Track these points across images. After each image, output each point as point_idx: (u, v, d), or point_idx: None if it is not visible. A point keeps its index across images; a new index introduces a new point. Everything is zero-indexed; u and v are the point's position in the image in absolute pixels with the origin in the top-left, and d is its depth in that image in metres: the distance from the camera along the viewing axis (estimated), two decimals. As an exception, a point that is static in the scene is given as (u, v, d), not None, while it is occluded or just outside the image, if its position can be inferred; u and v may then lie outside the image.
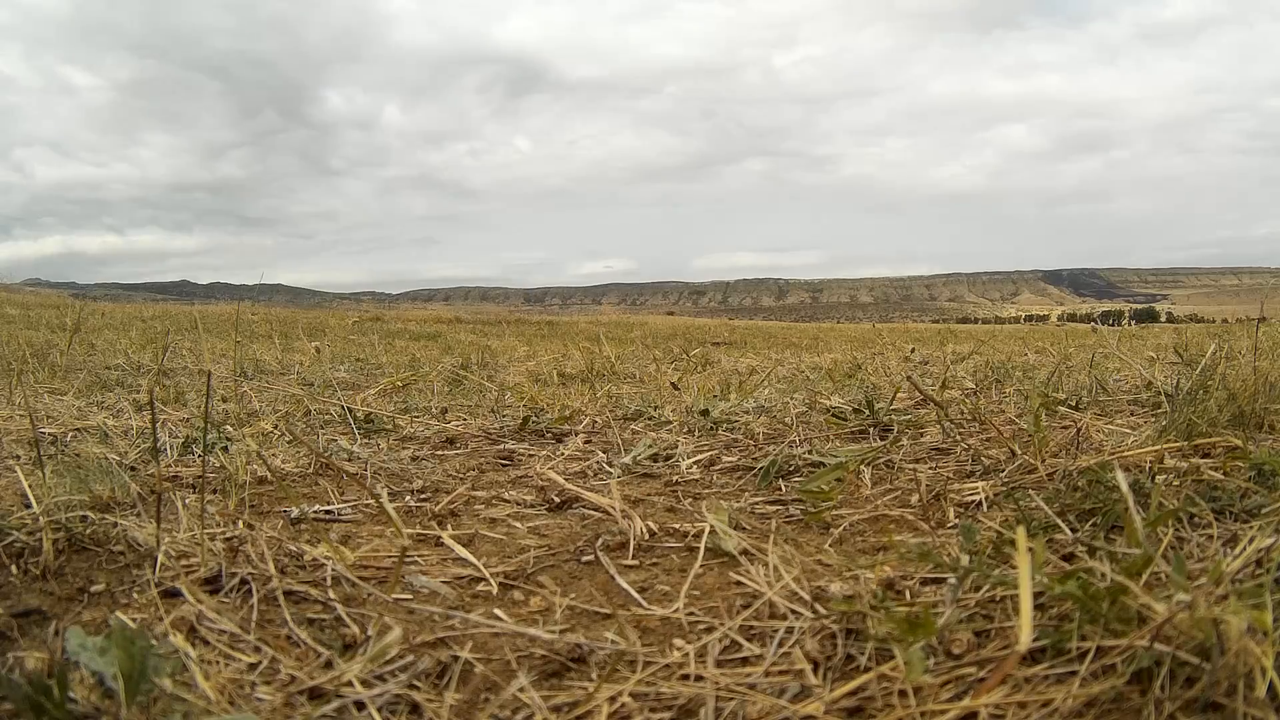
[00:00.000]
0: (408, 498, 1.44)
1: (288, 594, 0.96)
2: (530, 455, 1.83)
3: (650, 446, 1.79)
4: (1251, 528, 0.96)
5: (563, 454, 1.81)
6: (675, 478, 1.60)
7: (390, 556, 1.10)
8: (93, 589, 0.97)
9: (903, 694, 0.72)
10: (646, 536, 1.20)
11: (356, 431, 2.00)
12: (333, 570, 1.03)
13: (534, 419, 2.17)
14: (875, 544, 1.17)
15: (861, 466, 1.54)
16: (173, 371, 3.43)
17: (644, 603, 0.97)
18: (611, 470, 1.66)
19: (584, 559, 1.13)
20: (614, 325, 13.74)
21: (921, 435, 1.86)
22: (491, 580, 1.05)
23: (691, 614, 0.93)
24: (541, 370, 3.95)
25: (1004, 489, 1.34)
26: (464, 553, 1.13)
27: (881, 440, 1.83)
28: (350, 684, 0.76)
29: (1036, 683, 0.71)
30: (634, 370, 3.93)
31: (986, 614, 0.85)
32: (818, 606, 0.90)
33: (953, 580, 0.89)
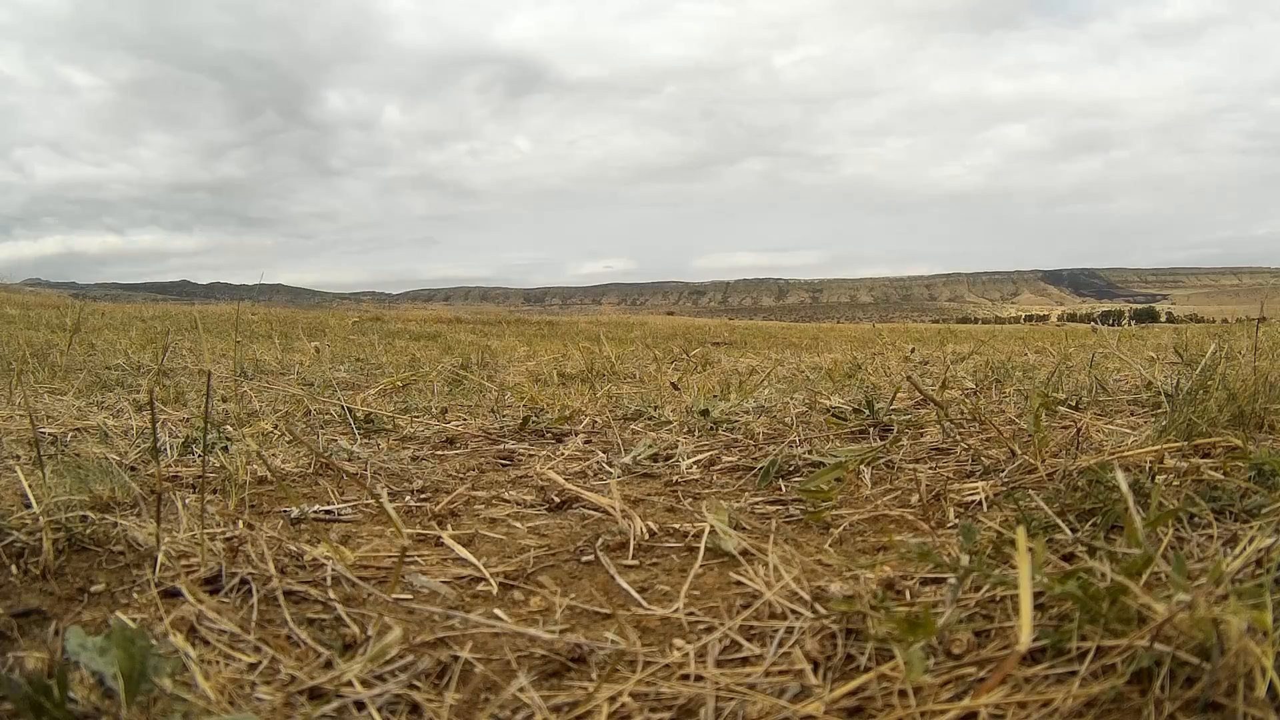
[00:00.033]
0: (408, 498, 1.44)
1: (288, 594, 0.96)
2: (530, 455, 1.83)
3: (650, 446, 1.79)
4: (1251, 528, 0.96)
5: (563, 454, 1.81)
6: (675, 478, 1.60)
7: (390, 556, 1.10)
8: (93, 589, 0.97)
9: (903, 694, 0.72)
10: (646, 536, 1.20)
11: (356, 431, 2.00)
12: (333, 570, 1.03)
13: (534, 419, 2.17)
14: (875, 544, 1.17)
15: (861, 466, 1.54)
16: (173, 371, 3.43)
17: (644, 603, 0.97)
18: (611, 470, 1.66)
19: (584, 559, 1.13)
20: (614, 325, 13.74)
21: (921, 435, 1.86)
22: (491, 580, 1.05)
23: (691, 614, 0.93)
24: (541, 370, 3.95)
25: (1004, 489, 1.34)
26: (464, 553, 1.13)
27: (881, 440, 1.83)
28: (350, 684, 0.76)
29: (1036, 683, 0.71)
30: (634, 370, 3.93)
31: (986, 614, 0.85)
32: (818, 606, 0.90)
33: (953, 580, 0.89)
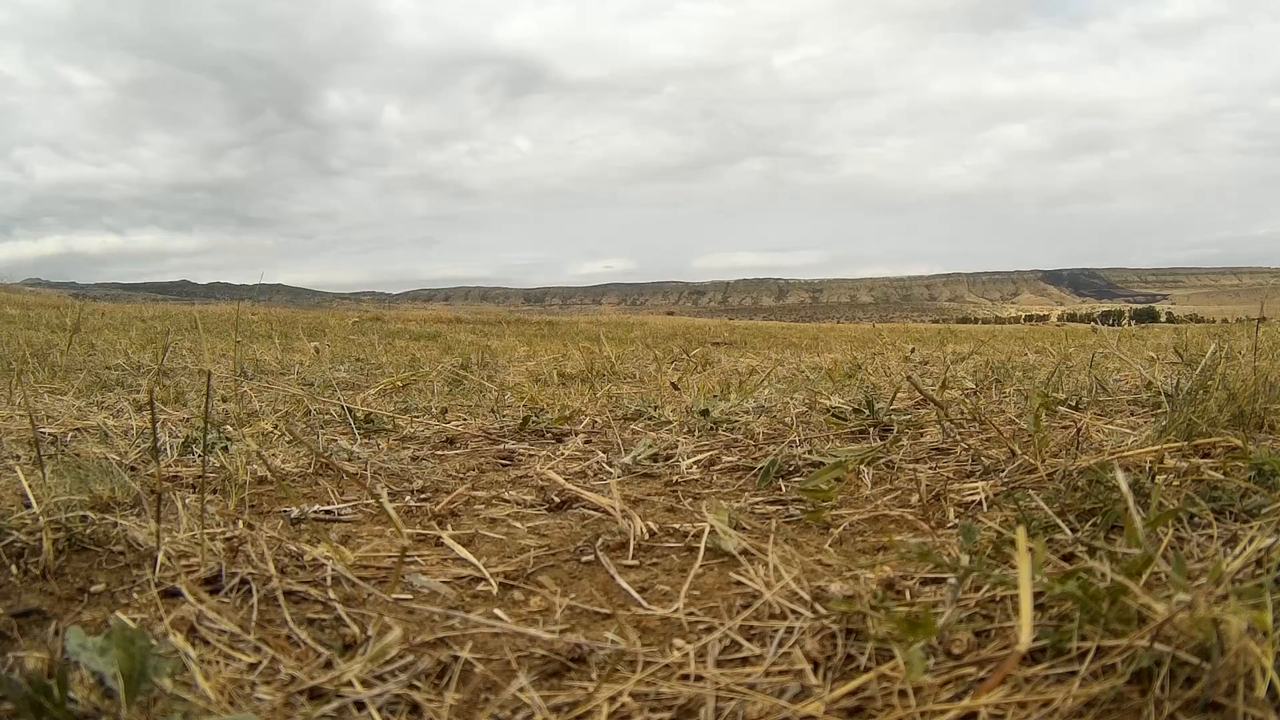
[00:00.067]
0: (408, 498, 1.44)
1: (288, 594, 0.96)
2: (530, 455, 1.83)
3: (650, 446, 1.79)
4: (1251, 528, 0.96)
5: (563, 454, 1.81)
6: (675, 478, 1.60)
7: (390, 556, 1.10)
8: (93, 589, 0.97)
9: (903, 694, 0.72)
10: (646, 536, 1.20)
11: (356, 431, 2.00)
12: (333, 570, 1.03)
13: (534, 419, 2.17)
14: (875, 544, 1.17)
15: (861, 466, 1.54)
16: (173, 371, 3.43)
17: (644, 603, 0.97)
18: (611, 470, 1.66)
19: (584, 559, 1.13)
20: (614, 325, 13.74)
21: (921, 435, 1.86)
22: (491, 580, 1.05)
23: (691, 614, 0.93)
24: (541, 370, 3.95)
25: (1004, 489, 1.34)
26: (464, 553, 1.13)
27: (881, 440, 1.83)
28: (350, 684, 0.76)
29: (1036, 683, 0.71)
30: (634, 370, 3.93)
31: (986, 614, 0.85)
32: (818, 606, 0.90)
33: (953, 580, 0.89)
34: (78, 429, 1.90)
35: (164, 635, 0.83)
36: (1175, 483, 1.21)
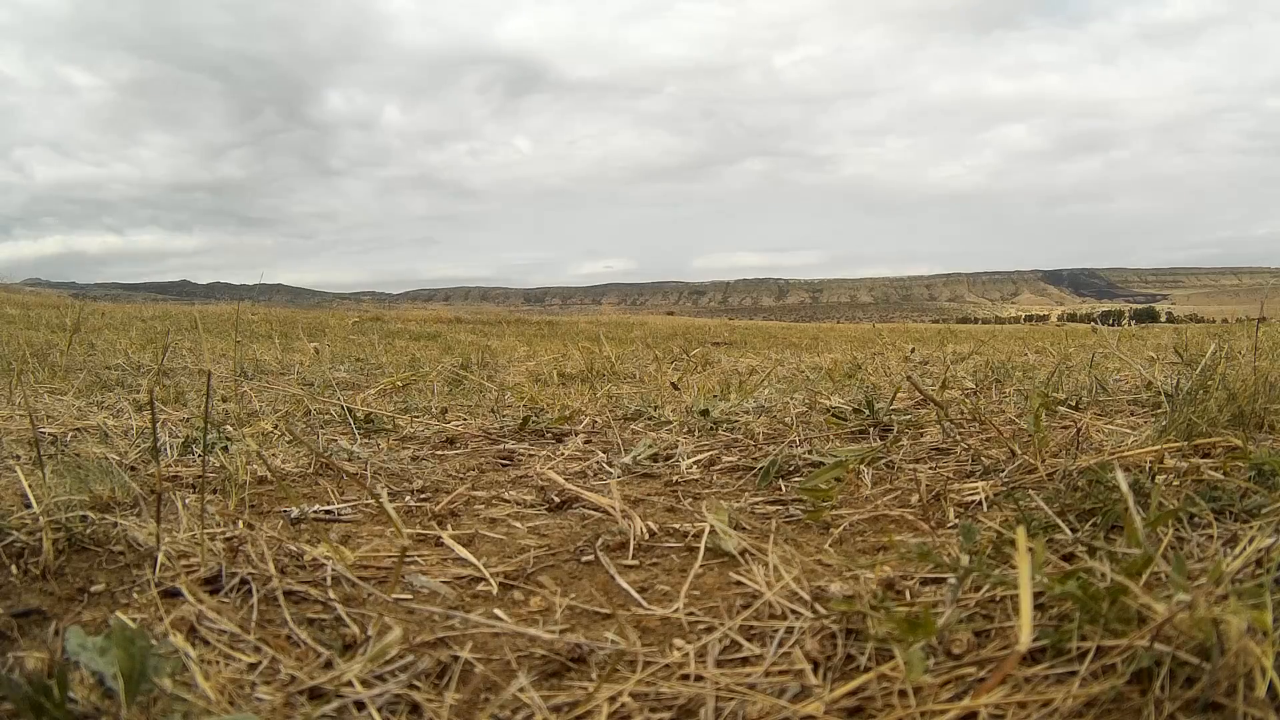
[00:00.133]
0: (408, 498, 1.44)
1: (288, 594, 0.96)
2: (530, 455, 1.83)
3: (650, 446, 1.79)
4: (1251, 528, 0.96)
5: (563, 454, 1.81)
6: (675, 478, 1.60)
7: (390, 556, 1.10)
8: (93, 589, 0.97)
9: (903, 694, 0.72)
10: (646, 536, 1.20)
11: (356, 431, 2.00)
12: (333, 570, 1.03)
13: (534, 419, 2.17)
14: (875, 544, 1.17)
15: (861, 466, 1.54)
16: (173, 371, 3.43)
17: (644, 603, 0.97)
18: (611, 470, 1.66)
19: (584, 559, 1.13)
20: (614, 325, 13.74)
21: (921, 435, 1.86)
22: (491, 580, 1.05)
23: (691, 614, 0.93)
24: (541, 370, 3.95)
25: (1004, 489, 1.34)
26: (464, 553, 1.13)
27: (881, 440, 1.83)
28: (350, 684, 0.76)
29: (1036, 683, 0.71)
30: (634, 370, 3.93)
31: (986, 614, 0.85)
32: (818, 606, 0.90)
33: (953, 580, 0.89)
34: (78, 429, 1.90)
35: (164, 635, 0.83)
36: (1175, 483, 1.21)
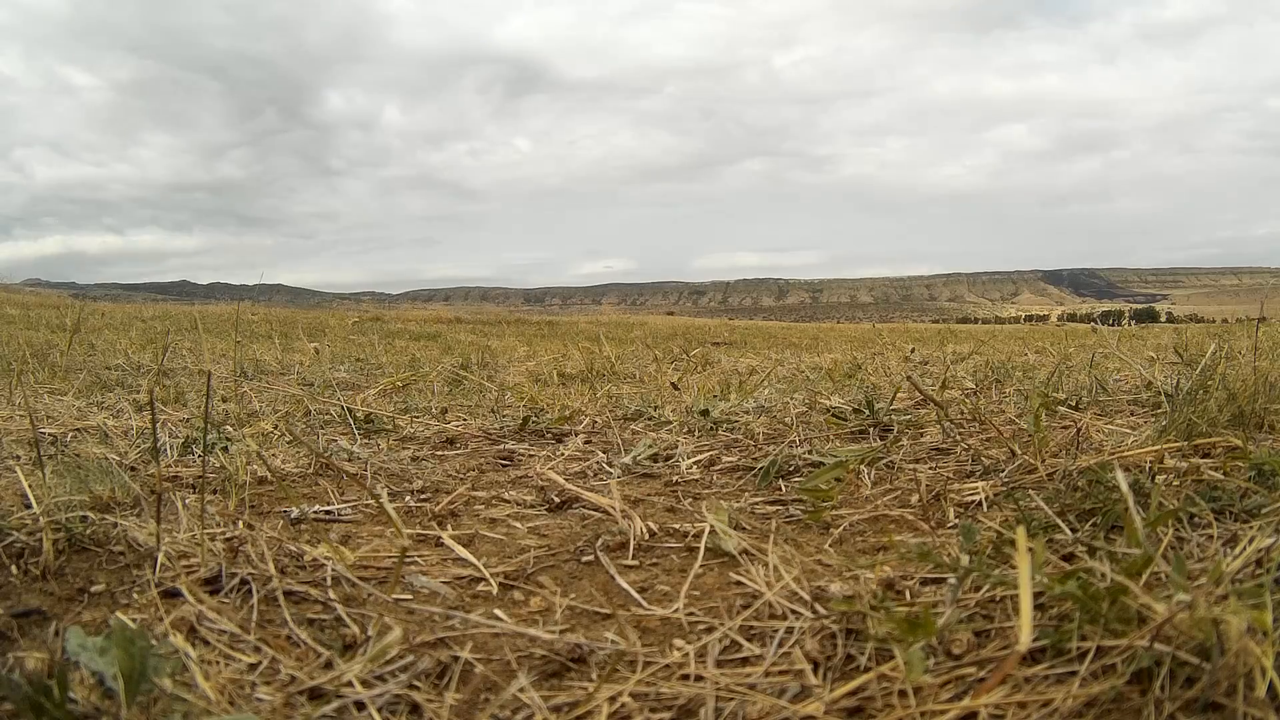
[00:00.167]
0: (408, 498, 1.44)
1: (288, 594, 0.96)
2: (530, 455, 1.83)
3: (650, 446, 1.79)
4: (1251, 528, 0.96)
5: (563, 454, 1.81)
6: (675, 478, 1.60)
7: (390, 556, 1.10)
8: (93, 589, 0.97)
9: (903, 694, 0.72)
10: (646, 536, 1.20)
11: (356, 431, 2.00)
12: (333, 570, 1.03)
13: (534, 419, 2.17)
14: (875, 544, 1.17)
15: (861, 466, 1.54)
16: (173, 371, 3.43)
17: (644, 603, 0.97)
18: (611, 470, 1.66)
19: (584, 559, 1.13)
20: (614, 325, 13.74)
21: (921, 435, 1.86)
22: (491, 580, 1.05)
23: (691, 614, 0.93)
24: (541, 370, 3.95)
25: (1004, 489, 1.34)
26: (464, 553, 1.13)
27: (881, 440, 1.83)
28: (350, 684, 0.76)
29: (1036, 683, 0.71)
30: (634, 370, 3.93)
31: (986, 614, 0.85)
32: (818, 606, 0.90)
33: (953, 580, 0.89)
34: (78, 429, 1.90)
35: (164, 635, 0.83)
36: (1175, 483, 1.21)
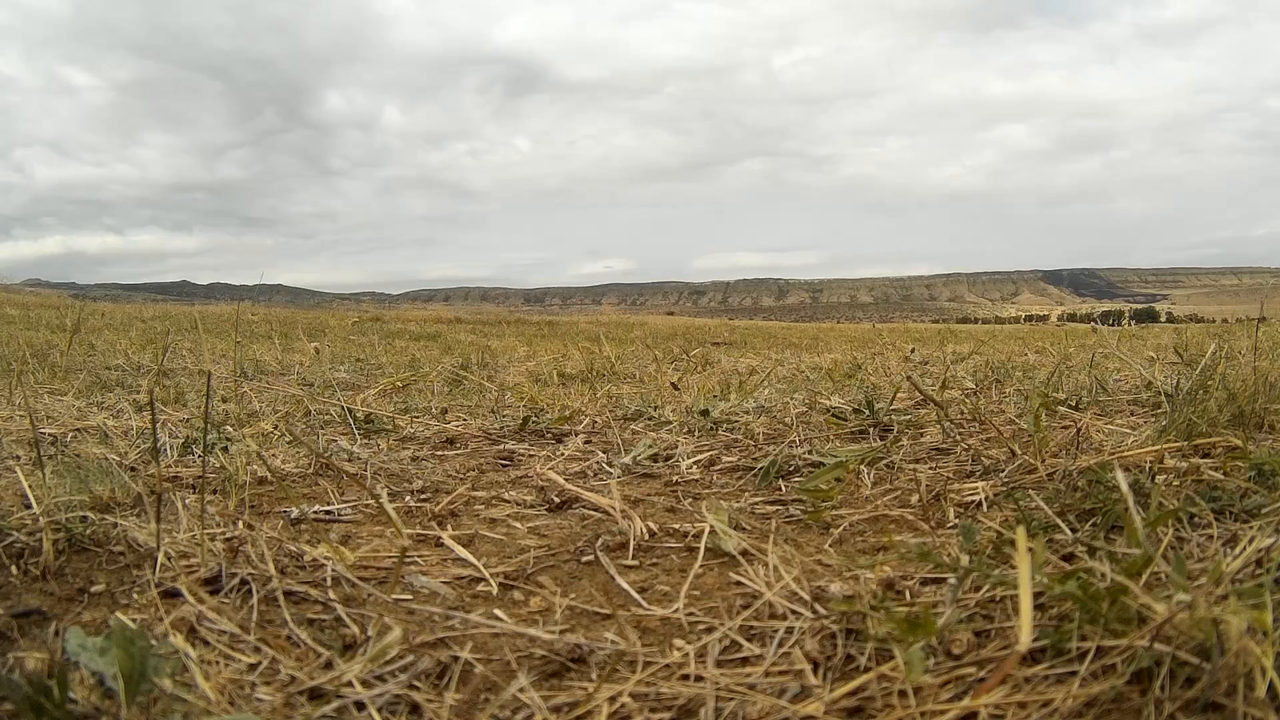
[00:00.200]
0: (408, 498, 1.44)
1: (288, 594, 0.96)
2: (530, 455, 1.83)
3: (650, 446, 1.79)
4: (1251, 528, 0.96)
5: (563, 454, 1.81)
6: (675, 478, 1.60)
7: (390, 557, 1.10)
8: (93, 589, 0.97)
9: (903, 694, 0.72)
10: (646, 537, 1.20)
11: (356, 432, 2.00)
12: (333, 570, 1.03)
13: (534, 419, 2.17)
14: (875, 544, 1.17)
15: (861, 466, 1.54)
16: (173, 372, 3.43)
17: (644, 603, 0.97)
18: (611, 470, 1.66)
19: (584, 559, 1.13)
20: (614, 325, 13.74)
21: (921, 435, 1.86)
22: (491, 580, 1.05)
23: (691, 614, 0.93)
24: (541, 370, 3.95)
25: (1004, 489, 1.34)
26: (464, 553, 1.13)
27: (881, 440, 1.83)
28: (350, 684, 0.76)
29: (1036, 683, 0.71)
30: (634, 370, 3.93)
31: (986, 614, 0.85)
32: (818, 606, 0.90)
33: (953, 580, 0.89)
34: (78, 429, 1.90)
35: (164, 635, 0.83)
36: (1175, 483, 1.21)
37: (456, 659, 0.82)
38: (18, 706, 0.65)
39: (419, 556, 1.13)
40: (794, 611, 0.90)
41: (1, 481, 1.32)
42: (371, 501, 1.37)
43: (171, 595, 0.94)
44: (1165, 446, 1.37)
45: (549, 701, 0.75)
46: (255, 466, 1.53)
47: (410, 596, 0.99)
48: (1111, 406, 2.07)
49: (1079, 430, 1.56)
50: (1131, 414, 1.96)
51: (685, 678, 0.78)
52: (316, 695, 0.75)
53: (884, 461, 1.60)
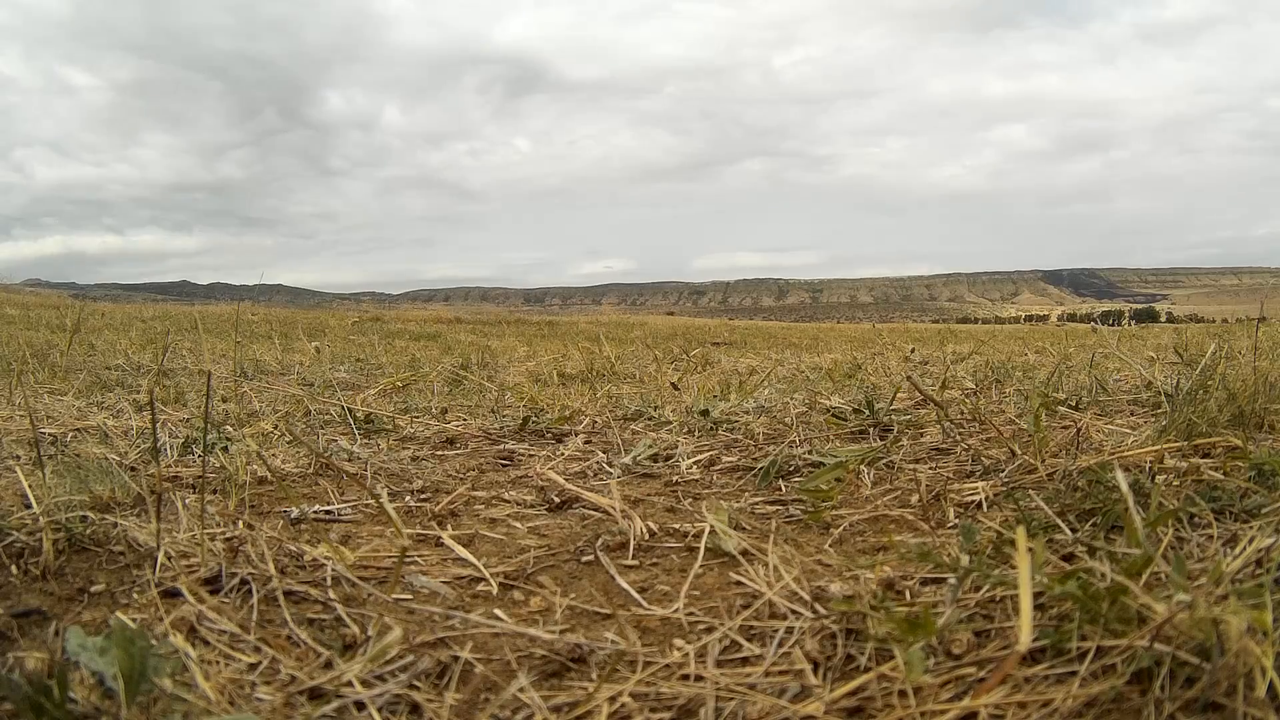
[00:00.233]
0: (408, 498, 1.44)
1: (288, 594, 0.96)
2: (530, 455, 1.83)
3: (650, 446, 1.79)
4: (1251, 528, 0.96)
5: (563, 454, 1.81)
6: (675, 478, 1.60)
7: (390, 556, 1.10)
8: (93, 589, 0.97)
9: (903, 694, 0.72)
10: (646, 536, 1.20)
11: (356, 431, 2.00)
12: (333, 570, 1.03)
13: (534, 419, 2.17)
14: (875, 544, 1.17)
15: (861, 466, 1.54)
16: (173, 371, 3.43)
17: (644, 603, 0.97)
18: (611, 470, 1.66)
19: (584, 559, 1.13)
20: (614, 325, 13.74)
21: (921, 435, 1.86)
22: (491, 580, 1.05)
23: (691, 614, 0.93)
24: (541, 370, 3.95)
25: (1004, 489, 1.34)
26: (464, 553, 1.13)
27: (881, 440, 1.83)
28: (350, 684, 0.76)
29: (1036, 683, 0.71)
30: (634, 370, 3.93)
31: (986, 614, 0.85)
32: (818, 606, 0.90)
33: (953, 580, 0.89)
34: (78, 429, 1.90)
35: (164, 635, 0.83)
36: (1175, 483, 1.21)
37: (456, 659, 0.82)
38: (18, 706, 0.65)
39: (419, 556, 1.13)
40: (794, 611, 0.90)
41: (1, 481, 1.32)
42: (371, 501, 1.37)
43: (171, 595, 0.94)
44: (1165, 446, 1.37)
45: (549, 701, 0.75)
46: (255, 466, 1.53)
47: (410, 596, 0.99)
48: (1111, 406, 2.07)
49: (1079, 430, 1.56)
50: (1131, 414, 1.96)
51: (685, 678, 0.78)
52: (316, 695, 0.75)
53: (884, 461, 1.60)
